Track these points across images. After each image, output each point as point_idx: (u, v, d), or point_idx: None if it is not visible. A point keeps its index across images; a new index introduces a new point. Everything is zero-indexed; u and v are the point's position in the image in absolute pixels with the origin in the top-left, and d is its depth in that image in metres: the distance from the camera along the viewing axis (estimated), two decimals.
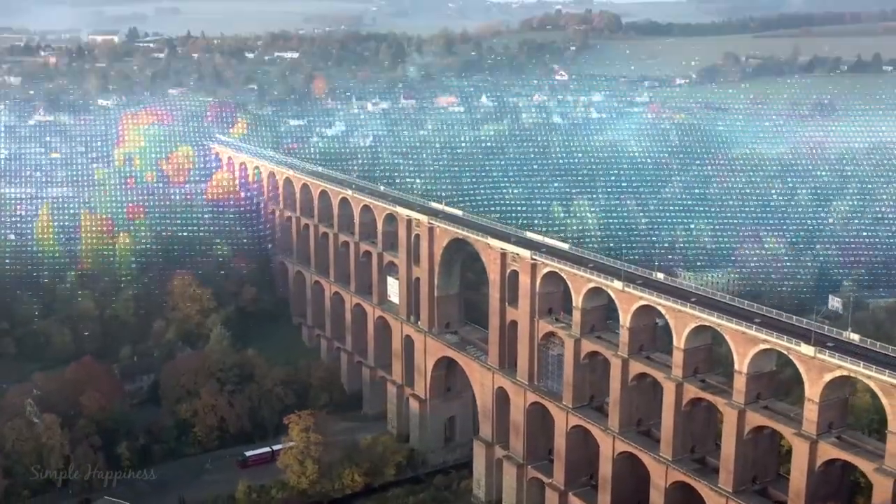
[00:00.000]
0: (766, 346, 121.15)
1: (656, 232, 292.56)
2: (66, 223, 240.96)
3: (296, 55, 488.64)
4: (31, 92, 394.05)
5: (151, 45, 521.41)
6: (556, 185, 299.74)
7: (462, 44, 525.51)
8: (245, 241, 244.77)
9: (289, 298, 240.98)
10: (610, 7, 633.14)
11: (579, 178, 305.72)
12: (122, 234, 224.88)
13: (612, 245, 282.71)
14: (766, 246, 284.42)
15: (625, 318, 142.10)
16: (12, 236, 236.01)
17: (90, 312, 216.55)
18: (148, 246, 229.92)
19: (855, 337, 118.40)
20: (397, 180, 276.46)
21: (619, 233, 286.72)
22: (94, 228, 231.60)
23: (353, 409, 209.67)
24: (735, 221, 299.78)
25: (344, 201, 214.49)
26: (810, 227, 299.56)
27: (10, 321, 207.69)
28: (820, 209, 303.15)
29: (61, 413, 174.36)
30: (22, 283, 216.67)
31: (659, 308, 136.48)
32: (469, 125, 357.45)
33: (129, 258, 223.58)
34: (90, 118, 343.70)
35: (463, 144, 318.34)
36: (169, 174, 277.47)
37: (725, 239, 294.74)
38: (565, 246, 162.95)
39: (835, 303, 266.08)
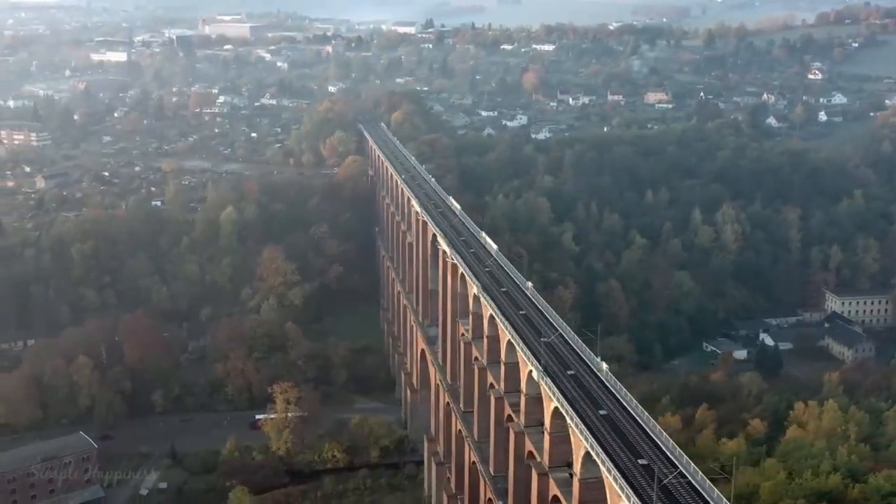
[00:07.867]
0: (531, 367, 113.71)
1: (810, 248, 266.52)
2: (201, 194, 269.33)
3: (551, 47, 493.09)
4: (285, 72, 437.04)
5: (426, 35, 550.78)
6: (710, 190, 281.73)
7: (734, 38, 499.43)
8: (351, 223, 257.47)
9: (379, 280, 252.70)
10: None
11: (741, 185, 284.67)
12: (229, 208, 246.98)
13: (750, 257, 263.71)
14: None
15: (485, 326, 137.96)
16: (159, 203, 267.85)
17: (193, 275, 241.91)
18: (256, 219, 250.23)
19: (604, 366, 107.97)
20: (532, 176, 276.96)
21: (763, 246, 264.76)
22: (217, 201, 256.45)
23: (390, 390, 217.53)
24: None
25: (402, 191, 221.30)
26: None
27: (115, 276, 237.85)
28: None
29: (107, 358, 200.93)
30: (143, 243, 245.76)
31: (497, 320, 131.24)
32: (659, 123, 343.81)
33: (232, 230, 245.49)
34: (306, 103, 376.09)
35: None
36: (324, 155, 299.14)
37: (892, 262, 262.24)
38: (494, 247, 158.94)
39: None
